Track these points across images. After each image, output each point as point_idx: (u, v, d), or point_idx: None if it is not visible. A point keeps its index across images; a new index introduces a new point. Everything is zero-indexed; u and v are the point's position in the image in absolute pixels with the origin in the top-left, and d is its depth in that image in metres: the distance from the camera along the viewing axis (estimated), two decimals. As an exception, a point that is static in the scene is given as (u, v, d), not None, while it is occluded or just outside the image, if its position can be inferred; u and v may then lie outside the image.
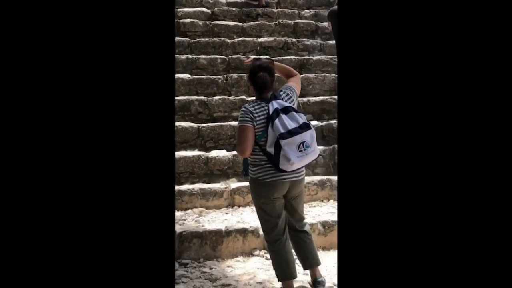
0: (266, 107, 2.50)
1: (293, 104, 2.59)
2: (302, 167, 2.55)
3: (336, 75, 5.15)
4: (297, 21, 6.62)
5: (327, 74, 5.41)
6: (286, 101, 2.57)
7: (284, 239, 2.63)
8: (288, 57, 5.74)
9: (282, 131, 2.39)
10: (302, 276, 2.89)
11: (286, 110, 2.47)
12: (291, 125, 2.42)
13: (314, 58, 5.77)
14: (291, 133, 2.38)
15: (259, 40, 6.16)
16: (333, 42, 5.78)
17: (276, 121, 2.41)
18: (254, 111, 2.51)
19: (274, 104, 2.49)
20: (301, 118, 2.47)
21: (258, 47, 6.09)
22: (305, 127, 2.44)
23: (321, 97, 5.07)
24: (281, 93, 2.63)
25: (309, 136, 2.43)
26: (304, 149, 2.40)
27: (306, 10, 6.94)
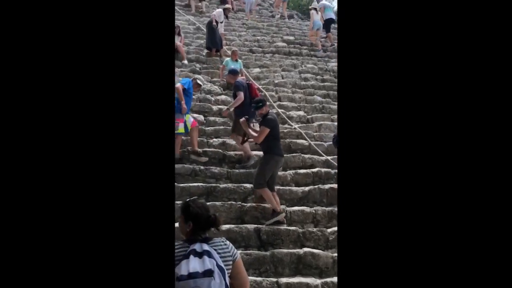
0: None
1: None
2: None
3: (241, 203, 5.02)
4: (205, 149, 6.20)
5: (233, 202, 5.08)
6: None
7: None
8: (196, 184, 5.38)
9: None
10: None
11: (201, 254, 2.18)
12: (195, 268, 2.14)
13: (221, 186, 5.42)
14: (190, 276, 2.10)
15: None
16: (239, 170, 5.74)
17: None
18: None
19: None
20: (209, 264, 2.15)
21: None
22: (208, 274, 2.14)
23: (228, 225, 4.70)
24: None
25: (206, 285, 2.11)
26: None
27: (214, 139, 6.62)
